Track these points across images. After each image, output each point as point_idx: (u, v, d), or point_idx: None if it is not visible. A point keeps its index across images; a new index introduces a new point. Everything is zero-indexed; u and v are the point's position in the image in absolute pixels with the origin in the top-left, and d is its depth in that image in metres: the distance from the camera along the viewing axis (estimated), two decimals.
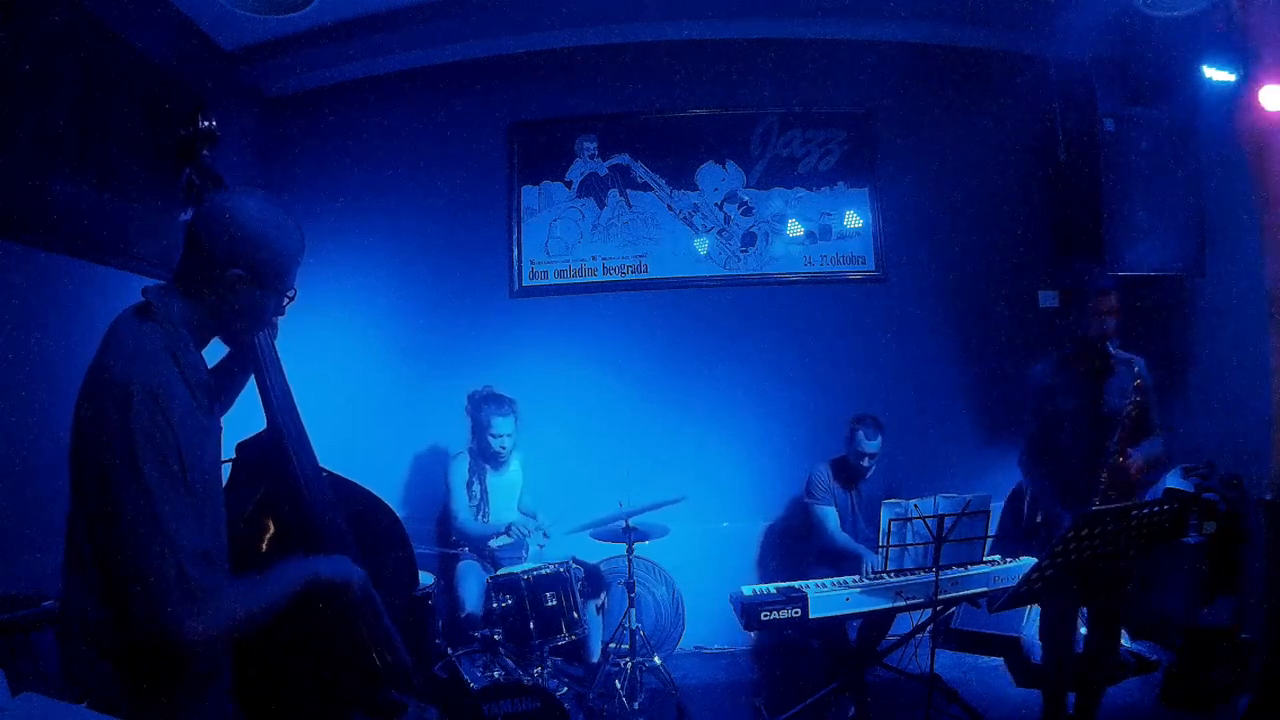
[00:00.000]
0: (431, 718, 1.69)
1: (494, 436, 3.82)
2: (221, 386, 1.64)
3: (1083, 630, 3.31)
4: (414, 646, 1.77)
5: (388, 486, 4.32)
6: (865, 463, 3.86)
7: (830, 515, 3.88)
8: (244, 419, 1.78)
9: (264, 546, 1.60)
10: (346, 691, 1.64)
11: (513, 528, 3.70)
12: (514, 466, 4.02)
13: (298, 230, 1.55)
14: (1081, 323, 2.98)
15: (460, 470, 3.92)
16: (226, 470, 1.70)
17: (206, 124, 1.60)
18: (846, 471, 3.95)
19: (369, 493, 1.84)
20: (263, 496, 1.63)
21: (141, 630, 1.28)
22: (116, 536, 1.27)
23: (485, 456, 3.90)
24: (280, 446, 1.64)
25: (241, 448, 1.71)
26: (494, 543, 3.74)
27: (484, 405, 3.86)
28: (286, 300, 1.58)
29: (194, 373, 1.41)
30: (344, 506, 1.71)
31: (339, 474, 1.78)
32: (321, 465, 1.72)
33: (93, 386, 1.33)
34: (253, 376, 1.70)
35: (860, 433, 3.84)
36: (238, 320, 1.50)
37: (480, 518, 3.89)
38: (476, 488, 3.90)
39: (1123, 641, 3.72)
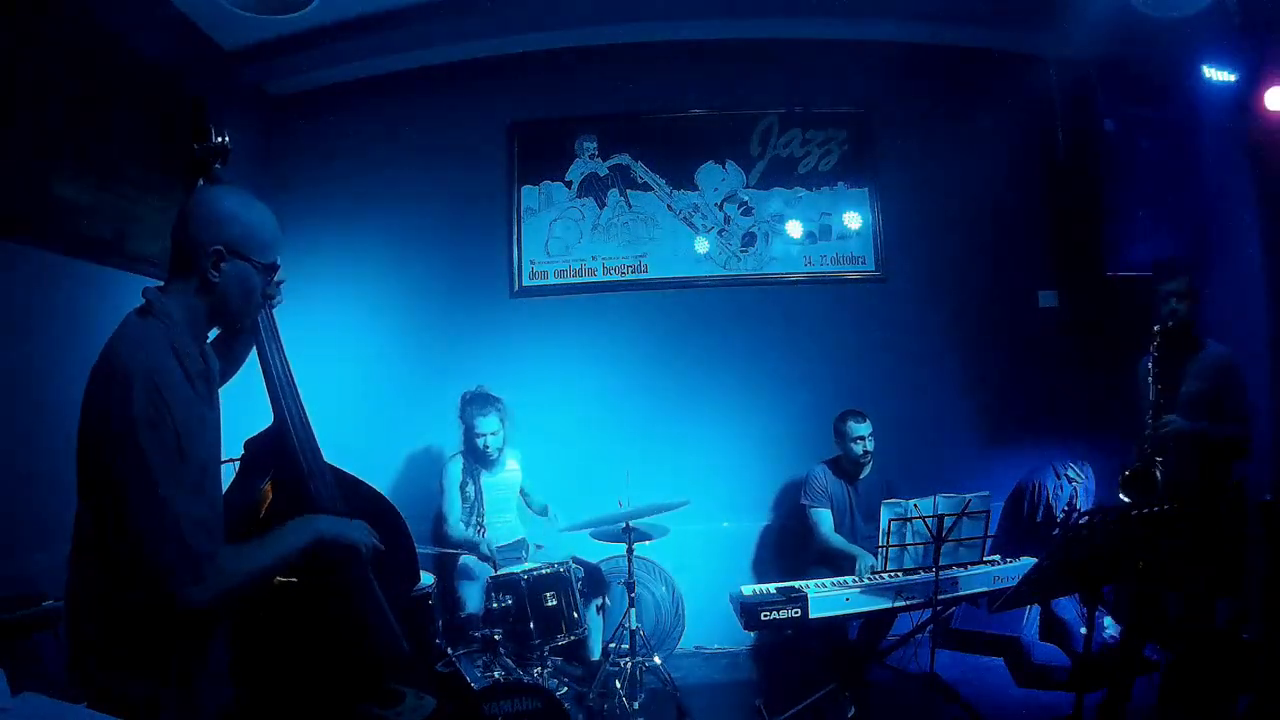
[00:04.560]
0: (429, 706, 1.71)
1: (478, 436, 3.84)
2: (225, 358, 1.73)
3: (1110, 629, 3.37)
4: (414, 642, 1.79)
5: (386, 486, 4.32)
6: (859, 449, 3.87)
7: (825, 518, 3.89)
8: (249, 417, 1.79)
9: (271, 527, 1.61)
10: (347, 680, 1.66)
11: (489, 548, 3.69)
12: (509, 466, 4.02)
13: (267, 209, 1.62)
14: (1155, 310, 3.05)
15: (454, 472, 3.93)
16: (233, 468, 1.72)
17: (220, 139, 1.68)
18: (843, 469, 3.97)
19: (372, 488, 1.87)
20: (269, 484, 1.67)
21: (145, 600, 1.35)
22: (119, 515, 1.35)
23: (475, 457, 3.91)
24: (284, 434, 1.68)
25: (249, 443, 1.75)
26: (484, 549, 3.74)
27: (468, 406, 3.89)
28: (275, 276, 1.64)
29: (193, 363, 1.50)
30: (348, 500, 1.73)
31: (343, 469, 1.79)
32: (326, 461, 1.75)
33: (97, 377, 1.41)
34: (259, 375, 1.73)
35: (849, 421, 3.89)
36: (231, 301, 1.56)
37: (475, 518, 3.89)
38: (471, 488, 3.91)
39: None
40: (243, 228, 1.55)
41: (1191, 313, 3.01)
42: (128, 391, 1.35)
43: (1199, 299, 3.02)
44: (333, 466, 1.76)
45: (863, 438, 3.87)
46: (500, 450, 3.91)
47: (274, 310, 1.75)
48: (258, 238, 1.57)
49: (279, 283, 1.69)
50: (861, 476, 3.96)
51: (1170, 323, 3.00)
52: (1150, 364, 3.03)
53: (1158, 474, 2.93)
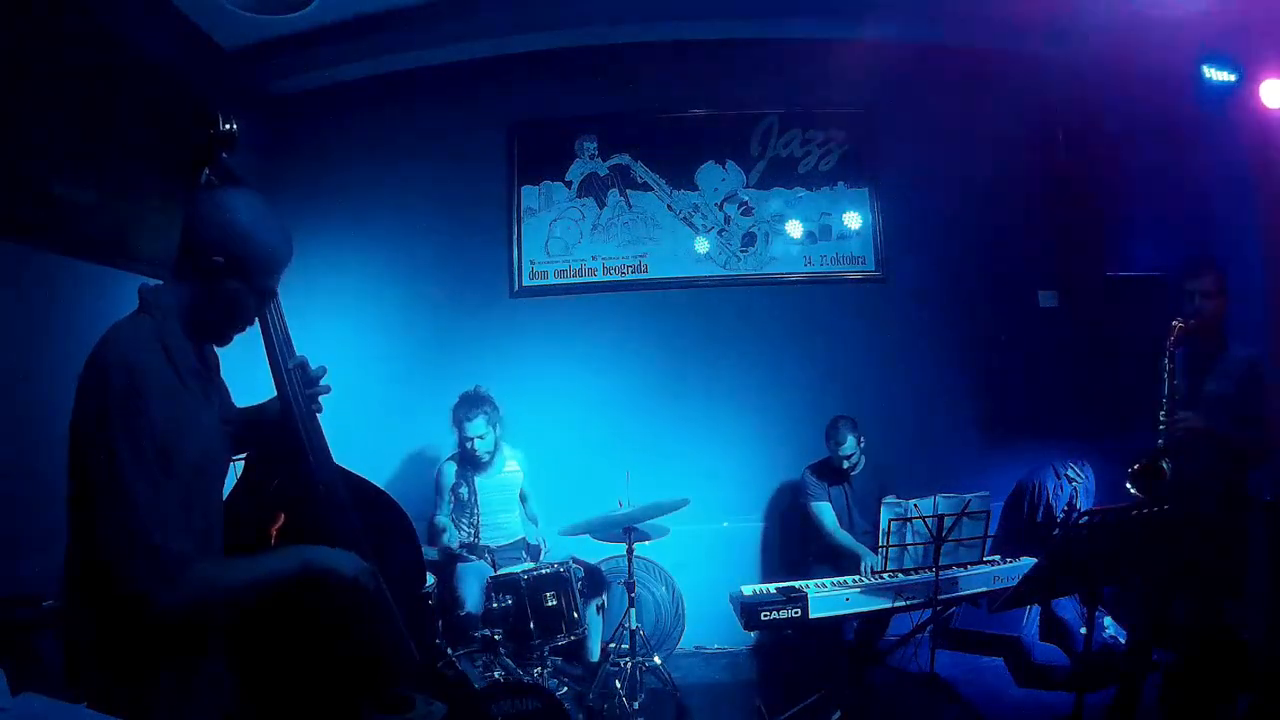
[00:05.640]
0: (439, 713, 1.69)
1: (466, 439, 3.82)
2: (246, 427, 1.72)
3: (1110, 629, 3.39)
4: (418, 643, 1.78)
5: (386, 486, 4.31)
6: (845, 464, 3.91)
7: (827, 511, 3.91)
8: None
9: (276, 538, 1.61)
10: (355, 685, 1.65)
11: (455, 544, 3.73)
12: (509, 467, 4.01)
13: (284, 234, 1.57)
14: (1180, 306, 3.01)
15: (448, 474, 3.92)
16: (236, 471, 1.71)
17: (227, 127, 1.62)
18: (832, 471, 3.99)
19: (380, 490, 1.86)
20: (277, 489, 1.65)
21: (117, 601, 1.33)
22: (92, 511, 1.33)
23: (467, 459, 3.90)
24: (293, 432, 1.66)
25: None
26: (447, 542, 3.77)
27: (457, 409, 3.86)
28: (269, 300, 1.60)
29: (183, 358, 1.47)
30: (356, 502, 1.72)
31: (350, 470, 1.79)
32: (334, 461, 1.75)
33: (83, 373, 1.40)
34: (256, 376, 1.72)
35: (834, 437, 3.92)
36: (217, 314, 1.53)
37: (471, 517, 3.89)
38: (465, 489, 3.88)
39: (1122, 640, 3.73)
40: (251, 248, 1.49)
41: (1218, 311, 2.98)
42: (105, 387, 1.34)
43: (1225, 298, 2.98)
44: (339, 467, 1.75)
45: (844, 456, 3.89)
46: (491, 453, 3.88)
47: (281, 308, 1.70)
48: (258, 259, 1.51)
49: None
50: (854, 474, 3.99)
51: (1192, 320, 2.99)
52: (1166, 360, 3.02)
53: (1165, 467, 2.91)
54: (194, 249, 1.49)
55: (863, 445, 3.94)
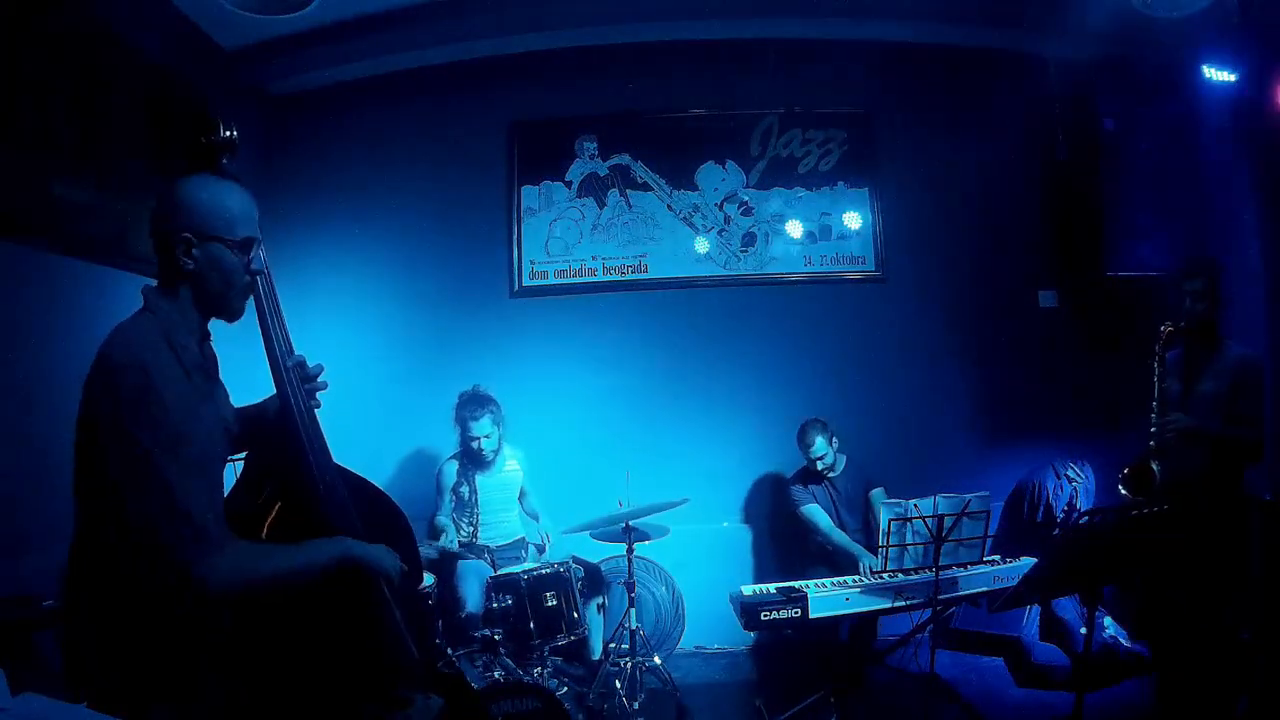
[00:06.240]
0: (437, 706, 1.70)
1: (472, 439, 3.82)
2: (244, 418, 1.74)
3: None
4: (418, 643, 1.78)
5: (387, 486, 4.31)
6: (820, 465, 3.91)
7: (819, 514, 3.90)
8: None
9: (277, 537, 1.61)
10: (356, 683, 1.65)
11: (452, 543, 3.73)
12: (509, 466, 4.01)
13: (234, 186, 1.59)
14: (1177, 307, 3.03)
15: (450, 473, 3.92)
16: (235, 471, 1.71)
17: (228, 133, 1.65)
18: (812, 475, 4.00)
19: (380, 489, 1.86)
20: (277, 487, 1.65)
21: (159, 584, 1.35)
22: (120, 503, 1.35)
23: (471, 458, 3.90)
24: (294, 437, 1.66)
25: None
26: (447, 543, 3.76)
27: (461, 409, 3.86)
28: (253, 250, 1.59)
29: (188, 356, 1.50)
30: (355, 501, 1.73)
31: (350, 469, 1.79)
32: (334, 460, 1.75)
33: (91, 372, 1.42)
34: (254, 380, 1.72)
35: (803, 440, 3.92)
36: (210, 285, 1.55)
37: (471, 516, 3.89)
38: (466, 488, 3.88)
39: (1122, 640, 3.74)
40: (205, 209, 1.53)
41: (1210, 312, 3.00)
42: (116, 382, 1.36)
43: (1220, 299, 3.00)
44: (339, 466, 1.76)
45: (817, 458, 3.90)
46: (495, 452, 3.89)
47: (280, 306, 1.70)
48: (223, 216, 1.54)
49: (255, 269, 1.62)
50: (835, 474, 3.99)
51: (1183, 322, 3.00)
52: (1155, 364, 3.03)
53: (1155, 469, 2.92)
54: (162, 240, 1.53)
55: (836, 445, 3.94)
